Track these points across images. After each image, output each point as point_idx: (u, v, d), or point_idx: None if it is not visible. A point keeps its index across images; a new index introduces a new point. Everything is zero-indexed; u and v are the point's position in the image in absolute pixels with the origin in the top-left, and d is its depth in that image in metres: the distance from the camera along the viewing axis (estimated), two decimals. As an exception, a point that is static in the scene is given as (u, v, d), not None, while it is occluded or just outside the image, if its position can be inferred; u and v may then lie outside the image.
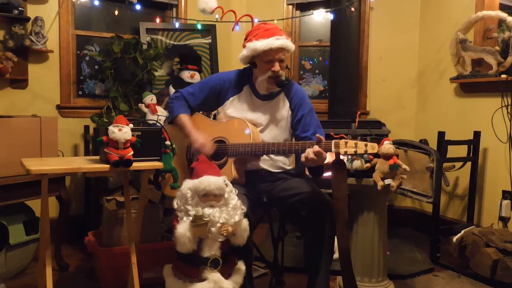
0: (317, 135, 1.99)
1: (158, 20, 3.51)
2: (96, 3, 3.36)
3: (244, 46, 2.25)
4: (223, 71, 2.46)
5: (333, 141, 1.93)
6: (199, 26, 3.52)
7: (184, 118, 2.30)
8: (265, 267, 2.88)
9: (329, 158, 2.03)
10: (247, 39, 2.25)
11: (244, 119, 2.24)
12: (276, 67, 2.18)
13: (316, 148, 1.92)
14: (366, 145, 1.88)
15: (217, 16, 3.30)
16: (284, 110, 2.30)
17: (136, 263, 2.12)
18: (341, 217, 2.00)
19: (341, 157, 1.98)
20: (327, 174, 2.17)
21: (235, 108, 2.30)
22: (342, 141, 1.91)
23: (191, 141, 2.24)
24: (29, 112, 3.21)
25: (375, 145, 1.89)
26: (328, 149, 1.93)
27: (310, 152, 1.93)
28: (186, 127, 2.26)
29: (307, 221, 2.13)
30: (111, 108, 3.30)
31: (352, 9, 3.42)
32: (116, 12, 3.46)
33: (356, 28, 3.59)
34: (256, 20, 3.35)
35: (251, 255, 2.19)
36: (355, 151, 1.89)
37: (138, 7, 3.36)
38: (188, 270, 1.86)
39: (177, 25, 3.72)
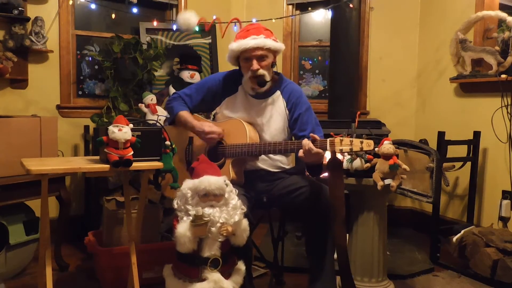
0: (311, 134, 1.98)
1: (155, 23, 3.51)
2: (93, 6, 3.37)
3: None
4: (223, 71, 2.46)
5: (328, 139, 1.93)
6: (196, 28, 3.52)
7: (186, 114, 2.31)
8: (265, 267, 2.88)
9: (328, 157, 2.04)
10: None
11: (241, 119, 2.24)
12: (254, 65, 2.17)
13: (315, 150, 1.92)
14: (361, 143, 1.88)
15: (214, 16, 3.32)
16: (281, 109, 2.29)
17: (136, 263, 2.12)
18: (338, 215, 2.00)
19: (338, 155, 1.98)
20: (324, 174, 2.17)
21: (231, 108, 2.31)
22: (337, 139, 1.91)
23: (196, 133, 2.24)
24: (29, 112, 3.21)
25: (371, 142, 1.88)
26: (324, 148, 1.93)
27: (309, 145, 1.93)
28: (189, 122, 2.27)
29: (309, 215, 2.13)
30: (111, 108, 3.30)
31: (351, 5, 3.41)
32: (115, 13, 3.45)
33: (356, 28, 3.59)
34: (254, 20, 3.37)
35: (250, 255, 2.19)
36: (351, 149, 1.89)
37: (135, 10, 3.37)
38: (188, 270, 1.86)
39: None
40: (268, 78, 2.21)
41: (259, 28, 2.24)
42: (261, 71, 2.18)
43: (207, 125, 2.23)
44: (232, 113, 2.29)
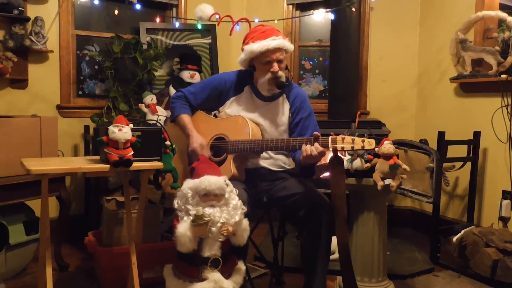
0: (314, 132, 1.99)
1: (158, 19, 3.51)
2: (96, 2, 3.37)
3: (242, 50, 2.25)
4: (223, 71, 2.46)
5: (330, 137, 1.94)
6: (199, 26, 3.52)
7: (185, 118, 2.31)
8: (265, 267, 2.88)
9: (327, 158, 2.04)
10: (244, 42, 2.26)
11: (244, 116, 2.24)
12: (275, 67, 2.17)
13: (320, 148, 1.93)
14: (363, 141, 1.89)
15: (217, 16, 3.32)
16: (285, 112, 2.31)
17: (136, 263, 2.12)
18: (340, 213, 2.01)
19: (339, 153, 1.99)
20: (326, 174, 2.18)
21: (235, 108, 2.31)
22: (339, 137, 1.93)
23: (189, 142, 2.25)
24: (29, 112, 3.21)
25: (372, 141, 1.90)
26: (325, 145, 1.94)
27: (313, 150, 1.94)
28: (186, 128, 2.28)
29: (305, 221, 2.13)
30: (111, 108, 3.31)
31: (353, 9, 3.42)
32: (116, 12, 3.45)
33: (356, 28, 3.59)
34: (256, 20, 3.36)
35: (245, 252, 2.18)
36: (352, 147, 1.90)
37: (138, 6, 3.35)
38: (188, 270, 1.86)
39: (177, 25, 3.72)
40: (284, 79, 2.22)
41: (274, 28, 2.24)
42: (280, 73, 2.20)
43: (200, 140, 2.22)
44: (236, 113, 2.29)
